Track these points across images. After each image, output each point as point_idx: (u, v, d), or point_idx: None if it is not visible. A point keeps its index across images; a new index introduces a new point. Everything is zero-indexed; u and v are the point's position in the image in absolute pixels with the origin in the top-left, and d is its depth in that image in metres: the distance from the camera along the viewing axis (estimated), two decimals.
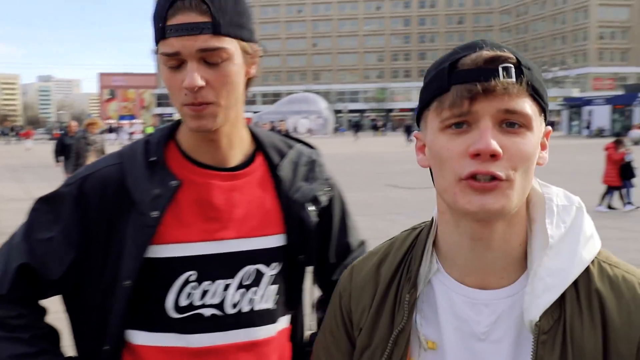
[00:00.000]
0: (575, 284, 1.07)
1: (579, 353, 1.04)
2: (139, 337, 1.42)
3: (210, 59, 1.31)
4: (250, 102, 77.15)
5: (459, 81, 1.02)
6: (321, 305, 1.66)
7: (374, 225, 10.44)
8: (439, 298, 1.15)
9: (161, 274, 1.40)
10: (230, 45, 1.33)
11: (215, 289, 1.41)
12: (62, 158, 13.56)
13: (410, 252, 1.22)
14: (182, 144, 1.45)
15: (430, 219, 1.23)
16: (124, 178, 1.39)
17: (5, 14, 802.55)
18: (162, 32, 1.31)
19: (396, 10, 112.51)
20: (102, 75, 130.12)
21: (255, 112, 70.54)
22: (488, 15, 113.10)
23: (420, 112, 1.13)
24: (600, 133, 48.31)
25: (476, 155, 0.99)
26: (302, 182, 1.53)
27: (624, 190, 13.46)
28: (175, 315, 1.40)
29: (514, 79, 1.00)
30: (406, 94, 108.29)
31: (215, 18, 1.29)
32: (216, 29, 1.30)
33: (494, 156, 0.98)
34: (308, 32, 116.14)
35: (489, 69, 1.01)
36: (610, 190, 13.44)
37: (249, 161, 1.49)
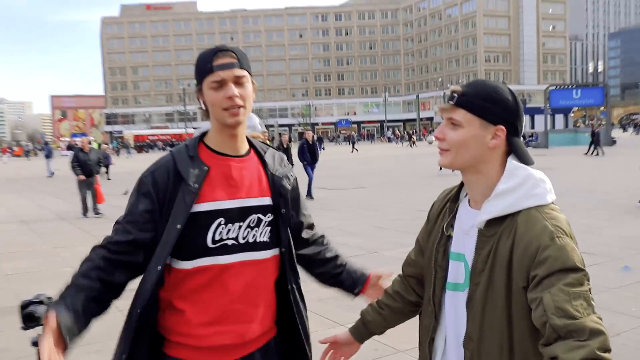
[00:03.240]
0: (513, 216, 1.50)
1: (497, 252, 1.49)
2: (178, 264, 1.81)
3: (239, 82, 1.78)
4: (192, 119, 77.62)
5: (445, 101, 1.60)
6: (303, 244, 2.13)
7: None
8: (459, 212, 1.68)
9: (203, 220, 1.78)
10: (247, 74, 1.81)
11: (234, 228, 1.83)
12: (79, 171, 12.96)
13: (454, 192, 1.74)
14: (210, 143, 1.87)
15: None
16: (176, 166, 1.80)
17: None
18: (210, 69, 1.75)
19: (317, 37, 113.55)
20: (54, 97, 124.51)
21: (195, 128, 70.34)
22: (395, 42, 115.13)
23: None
24: None
25: (435, 137, 1.60)
26: (278, 167, 1.97)
27: None
28: (211, 245, 1.79)
29: (453, 102, 1.54)
30: (328, 110, 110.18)
31: (239, 60, 1.79)
32: (240, 65, 1.78)
33: (437, 138, 1.58)
34: None
35: (449, 96, 1.57)
36: None
37: (249, 152, 1.93)
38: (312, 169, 15.76)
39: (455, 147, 1.53)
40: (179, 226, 1.74)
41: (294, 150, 15.48)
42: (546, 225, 1.44)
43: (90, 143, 13.25)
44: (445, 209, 1.70)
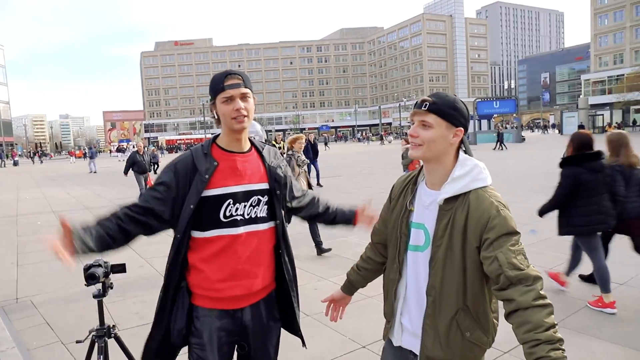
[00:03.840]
0: (465, 194, 1.51)
1: (455, 221, 1.50)
2: (199, 234, 1.80)
3: (244, 98, 1.77)
4: (209, 127, 77.47)
5: (414, 107, 1.57)
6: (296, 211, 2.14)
7: None
8: (418, 192, 1.65)
9: (216, 202, 1.77)
10: (249, 92, 1.79)
11: (240, 207, 1.81)
12: (136, 168, 12.46)
13: (412, 177, 1.71)
14: (221, 143, 1.85)
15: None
16: (194, 160, 1.78)
17: (37, 71, 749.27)
18: (222, 88, 1.74)
19: (303, 64, 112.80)
20: (105, 112, 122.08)
21: (212, 134, 70.18)
22: (362, 66, 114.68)
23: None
24: None
25: (410, 135, 1.57)
26: (273, 159, 1.95)
27: None
28: (223, 220, 1.79)
29: (426, 109, 1.53)
30: (312, 118, 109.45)
31: (244, 81, 1.77)
32: (245, 85, 1.77)
33: (412, 135, 1.56)
34: None
35: (419, 103, 1.55)
36: None
37: (250, 149, 1.90)
38: (315, 163, 15.43)
39: (427, 143, 1.54)
40: (192, 206, 1.76)
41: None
42: (492, 202, 1.48)
43: (145, 147, 12.78)
44: (407, 189, 1.70)
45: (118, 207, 1.79)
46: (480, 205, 1.48)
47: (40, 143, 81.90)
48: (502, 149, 29.68)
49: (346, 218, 2.15)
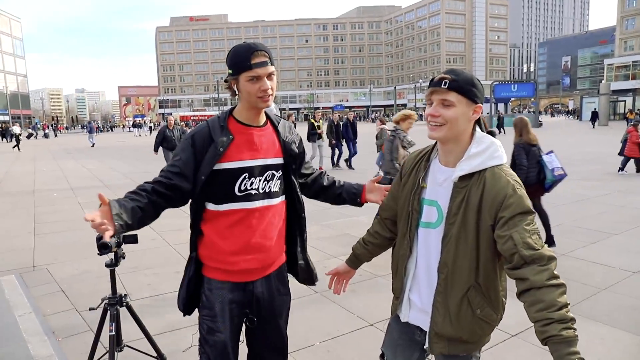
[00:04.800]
0: (480, 172, 1.48)
1: (469, 199, 1.48)
2: (213, 207, 1.80)
3: (270, 77, 1.73)
4: (223, 104, 77.27)
5: (430, 85, 1.52)
6: (317, 179, 2.14)
7: None
8: (431, 169, 1.63)
9: (231, 175, 1.77)
10: (274, 70, 1.76)
11: (255, 181, 1.81)
12: (166, 144, 10.98)
13: (425, 153, 1.69)
14: (238, 117, 1.82)
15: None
16: (210, 132, 1.77)
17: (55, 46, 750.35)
18: (249, 67, 1.68)
19: (318, 42, 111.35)
20: (120, 87, 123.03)
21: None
22: (378, 46, 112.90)
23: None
24: None
25: (430, 115, 1.51)
26: (288, 134, 1.93)
27: None
28: (239, 194, 1.78)
29: (446, 87, 1.47)
30: (327, 97, 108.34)
31: (270, 59, 1.72)
32: (271, 63, 1.72)
33: (433, 115, 1.50)
34: None
35: (438, 81, 1.49)
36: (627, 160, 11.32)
37: (266, 122, 1.88)
38: (354, 144, 14.20)
39: (450, 122, 1.49)
40: (203, 177, 1.74)
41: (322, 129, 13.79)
42: (509, 180, 1.46)
43: (167, 121, 11.33)
44: (419, 166, 1.67)
45: (145, 183, 1.76)
46: (497, 183, 1.45)
47: (57, 117, 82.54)
48: (499, 133, 29.29)
49: (353, 194, 2.11)
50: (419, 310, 1.66)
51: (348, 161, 13.96)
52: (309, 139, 13.14)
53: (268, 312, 1.91)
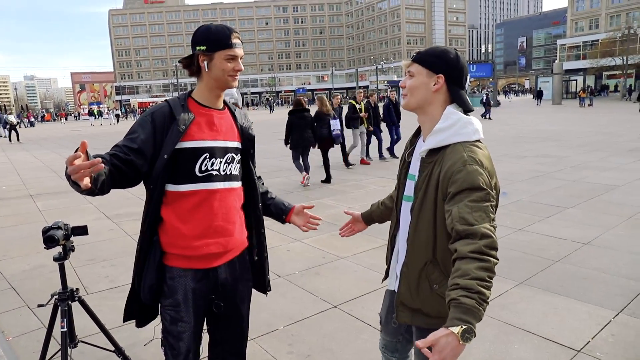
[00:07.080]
0: (445, 148, 1.52)
1: (432, 174, 1.53)
2: (173, 187, 1.77)
3: (241, 58, 1.81)
4: (183, 89, 75.17)
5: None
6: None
7: (269, 163, 11.71)
8: (417, 144, 1.70)
9: (192, 154, 1.75)
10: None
11: (216, 162, 1.81)
12: None
13: (415, 130, 1.74)
14: (197, 98, 1.83)
15: None
16: (172, 110, 1.75)
17: None
18: (230, 45, 1.74)
19: (279, 24, 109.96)
20: (74, 74, 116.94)
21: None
22: (339, 28, 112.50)
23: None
24: None
25: (400, 87, 1.65)
26: (244, 121, 1.97)
27: None
28: (199, 174, 1.77)
29: (412, 59, 1.62)
30: (289, 80, 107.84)
31: (241, 42, 1.81)
32: (242, 46, 1.81)
33: (401, 86, 1.64)
34: None
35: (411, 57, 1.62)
36: None
37: (224, 108, 1.91)
38: (397, 129, 11.89)
39: (410, 91, 1.59)
40: (165, 156, 1.70)
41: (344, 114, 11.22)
42: (463, 155, 1.46)
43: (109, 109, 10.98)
44: (410, 142, 1.77)
45: (105, 153, 1.65)
46: (451, 158, 1.47)
47: (4, 105, 78.08)
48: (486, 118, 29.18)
49: (281, 210, 2.11)
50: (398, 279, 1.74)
51: (390, 149, 11.94)
52: (348, 125, 10.75)
53: (231, 298, 1.89)
